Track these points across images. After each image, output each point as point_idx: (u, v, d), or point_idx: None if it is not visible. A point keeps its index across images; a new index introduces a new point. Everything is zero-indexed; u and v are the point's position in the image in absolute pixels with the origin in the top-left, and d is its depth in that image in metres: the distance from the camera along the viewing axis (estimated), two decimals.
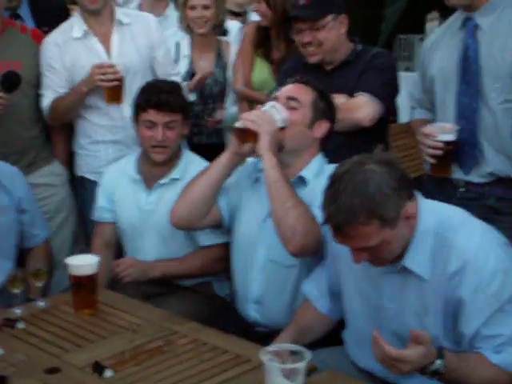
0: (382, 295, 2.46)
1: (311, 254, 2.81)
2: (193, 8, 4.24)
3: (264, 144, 2.80)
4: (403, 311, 2.42)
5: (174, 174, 3.41)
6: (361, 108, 3.27)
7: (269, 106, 2.91)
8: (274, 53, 4.18)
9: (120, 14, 3.88)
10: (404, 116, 5.44)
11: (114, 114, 3.84)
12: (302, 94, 2.94)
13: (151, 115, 3.34)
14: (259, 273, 2.99)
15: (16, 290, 2.93)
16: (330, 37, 3.37)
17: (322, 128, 2.95)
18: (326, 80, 3.27)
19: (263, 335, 2.90)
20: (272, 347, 2.21)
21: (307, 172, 2.93)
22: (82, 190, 4.00)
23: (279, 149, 2.86)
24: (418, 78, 3.32)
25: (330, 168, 2.83)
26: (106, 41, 3.83)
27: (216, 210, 3.09)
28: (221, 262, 3.31)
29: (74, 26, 3.83)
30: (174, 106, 3.35)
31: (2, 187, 3.40)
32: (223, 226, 3.16)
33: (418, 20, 8.27)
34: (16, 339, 2.72)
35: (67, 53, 3.81)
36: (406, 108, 5.01)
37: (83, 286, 2.89)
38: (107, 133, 3.88)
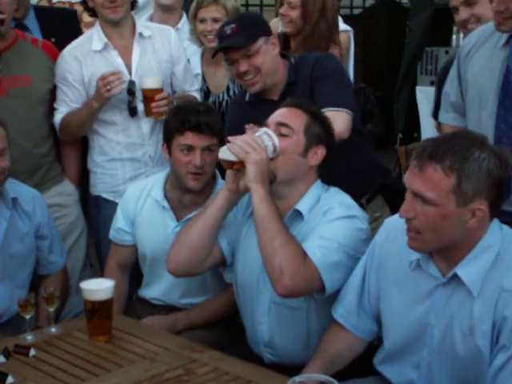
0: (428, 310, 2.47)
1: (300, 295, 2.79)
2: (203, 21, 4.23)
3: (250, 174, 2.72)
4: (449, 328, 2.43)
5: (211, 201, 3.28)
6: (334, 123, 3.11)
7: (262, 131, 2.84)
8: None
9: (141, 26, 3.92)
10: (428, 133, 5.43)
11: (133, 130, 3.87)
12: (294, 118, 2.86)
13: (189, 139, 3.25)
14: (265, 316, 2.97)
15: (27, 316, 2.94)
16: (266, 60, 3.36)
17: (317, 155, 2.88)
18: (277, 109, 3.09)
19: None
20: (299, 377, 2.20)
21: (303, 205, 2.88)
22: (96, 210, 4.02)
23: (271, 180, 2.80)
24: (454, 80, 3.27)
25: (328, 197, 2.88)
26: (126, 54, 3.87)
27: (217, 251, 3.04)
28: None
29: (94, 38, 3.87)
30: (213, 129, 3.26)
31: (23, 212, 3.43)
32: (227, 266, 3.13)
33: (443, 32, 8.27)
34: (28, 367, 2.71)
35: (86, 66, 3.84)
36: (430, 124, 5.00)
37: (98, 311, 2.89)
38: (124, 150, 3.90)
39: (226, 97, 4.29)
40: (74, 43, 3.92)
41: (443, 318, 2.44)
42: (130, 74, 3.86)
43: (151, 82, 3.75)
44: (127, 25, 3.88)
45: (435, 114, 3.81)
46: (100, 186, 4.00)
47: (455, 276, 2.40)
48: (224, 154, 2.78)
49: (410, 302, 2.53)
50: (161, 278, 3.42)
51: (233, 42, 3.32)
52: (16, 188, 3.42)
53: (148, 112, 3.77)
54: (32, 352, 2.79)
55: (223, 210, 2.92)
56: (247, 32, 3.32)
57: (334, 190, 2.97)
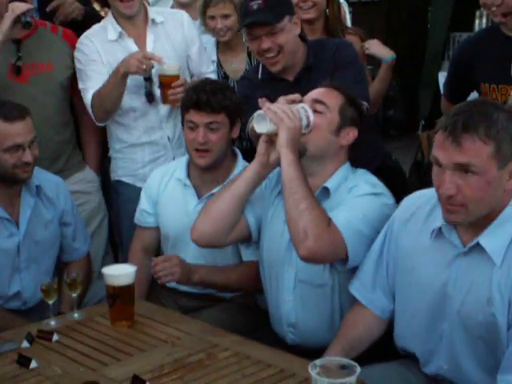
0: (447, 281, 2.50)
1: (322, 261, 2.83)
2: (212, 18, 4.23)
3: (282, 139, 2.78)
4: (467, 299, 2.46)
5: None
6: None
7: (299, 105, 2.89)
8: None
9: (153, 13, 3.95)
10: None
11: (151, 115, 3.91)
12: (330, 97, 2.93)
13: (192, 115, 3.32)
14: (290, 294, 3.02)
15: (50, 301, 2.99)
16: (289, 39, 3.38)
17: (349, 136, 2.94)
18: (292, 91, 3.11)
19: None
20: (320, 361, 2.23)
21: (332, 183, 2.94)
22: (116, 195, 4.07)
23: (301, 153, 2.86)
24: None
25: (355, 177, 2.93)
26: (140, 41, 3.91)
27: (243, 225, 3.10)
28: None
29: (108, 28, 3.91)
30: (215, 107, 3.29)
31: (47, 200, 3.49)
32: (251, 241, 3.19)
33: (466, 17, 8.24)
34: (51, 352, 2.76)
35: (105, 54, 3.88)
36: None
37: (120, 296, 2.93)
38: (143, 135, 3.94)
39: None
40: (90, 31, 3.96)
41: (462, 288, 2.47)
42: None
43: (168, 69, 3.78)
44: (140, 13, 3.92)
45: (448, 96, 3.93)
46: (120, 171, 4.05)
47: (477, 245, 2.43)
48: (257, 125, 2.85)
49: (429, 274, 2.56)
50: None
51: (260, 17, 3.32)
52: (39, 176, 3.47)
53: (165, 99, 3.80)
54: (55, 337, 2.84)
55: (252, 182, 2.99)
56: (274, 9, 3.32)
57: (361, 170, 3.02)
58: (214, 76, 4.10)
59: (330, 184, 2.94)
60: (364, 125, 3.07)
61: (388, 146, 4.19)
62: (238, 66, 4.30)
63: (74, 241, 3.63)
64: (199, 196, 3.44)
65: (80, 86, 3.92)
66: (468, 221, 2.44)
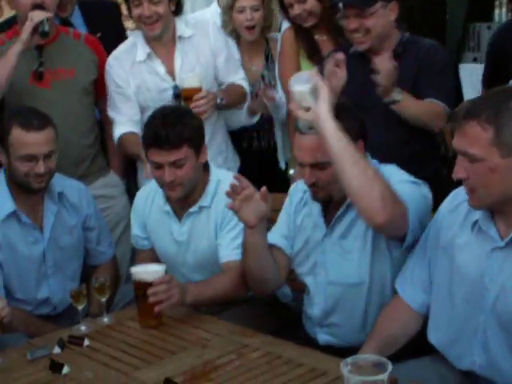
0: (484, 273, 2.50)
1: (394, 232, 2.78)
2: (241, 11, 4.23)
3: (324, 108, 2.68)
4: (504, 293, 2.45)
5: (203, 201, 3.31)
6: (440, 118, 3.45)
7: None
8: (323, 53, 4.10)
9: (181, 28, 3.96)
10: None
11: None
12: (323, 150, 2.75)
13: (153, 155, 3.16)
14: (321, 296, 3.04)
15: (80, 306, 3.02)
16: (378, 24, 3.45)
17: (360, 150, 2.83)
18: (374, 73, 3.31)
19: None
20: (352, 358, 2.24)
21: None
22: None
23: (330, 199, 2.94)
24: None
25: (386, 169, 2.91)
26: (168, 61, 3.95)
27: (283, 258, 3.13)
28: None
29: (138, 47, 3.95)
30: (176, 142, 3.11)
31: (70, 206, 3.52)
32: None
33: (485, 7, 8.18)
34: (83, 356, 2.80)
35: (133, 75, 3.94)
36: None
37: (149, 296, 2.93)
38: None
39: (261, 85, 4.30)
40: (119, 51, 4.00)
41: (498, 281, 2.47)
42: (174, 79, 3.93)
43: (188, 82, 3.80)
44: (168, 31, 3.93)
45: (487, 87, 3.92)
46: (143, 178, 3.99)
47: None
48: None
49: (468, 266, 2.56)
50: (181, 279, 3.35)
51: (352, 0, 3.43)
52: (62, 182, 3.50)
53: None
54: (86, 342, 2.87)
55: (261, 246, 2.98)
56: None
57: (389, 165, 3.00)
58: (244, 82, 4.12)
59: None
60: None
61: None
62: (256, 69, 4.33)
63: (99, 245, 3.66)
64: (179, 219, 3.37)
65: (108, 113, 4.02)
66: (483, 206, 2.47)
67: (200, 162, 3.25)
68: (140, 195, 3.53)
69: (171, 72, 3.95)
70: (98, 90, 4.04)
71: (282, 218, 3.18)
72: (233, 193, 2.85)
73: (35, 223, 3.40)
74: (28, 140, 3.26)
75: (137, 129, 3.93)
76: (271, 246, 3.07)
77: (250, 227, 2.90)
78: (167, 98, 3.87)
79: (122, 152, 4.04)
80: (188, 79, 3.81)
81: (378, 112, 3.42)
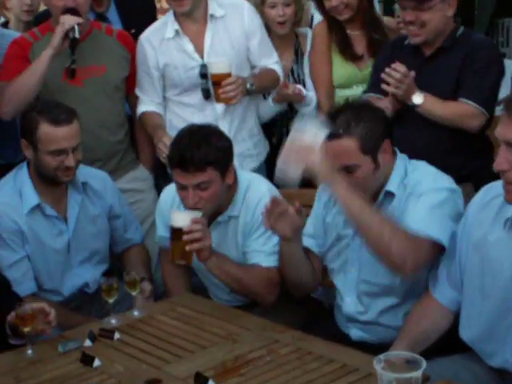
0: None
1: (427, 265, 2.84)
2: (273, 6, 4.19)
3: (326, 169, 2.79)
4: None
5: (231, 211, 3.27)
6: (473, 118, 3.45)
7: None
8: (356, 48, 4.14)
9: (213, 7, 3.94)
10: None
11: (208, 111, 3.92)
12: (349, 155, 2.82)
13: (178, 176, 3.10)
14: (352, 293, 3.04)
15: (111, 300, 3.02)
16: (435, 18, 3.42)
17: (386, 151, 2.88)
18: (423, 66, 3.42)
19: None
20: (385, 355, 2.23)
21: (393, 185, 2.91)
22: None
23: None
24: None
25: (415, 169, 2.91)
26: (198, 39, 3.93)
27: (316, 260, 3.15)
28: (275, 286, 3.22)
29: (168, 25, 3.94)
30: (200, 165, 3.05)
31: (94, 195, 3.54)
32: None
33: None
34: (113, 350, 2.81)
35: (161, 53, 3.94)
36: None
37: (183, 234, 2.99)
38: None
39: (291, 80, 4.29)
40: (150, 29, 4.02)
41: None
42: (202, 57, 3.92)
43: (217, 67, 3.79)
44: (199, 9, 3.92)
45: None
46: None
47: None
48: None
49: (501, 263, 2.55)
50: (211, 286, 3.43)
51: None
52: (85, 172, 3.51)
53: (217, 98, 3.81)
54: (116, 335, 2.88)
55: (298, 255, 3.02)
56: None
57: (420, 162, 2.99)
58: (277, 67, 4.09)
59: (391, 187, 2.91)
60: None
61: None
62: (285, 64, 4.29)
63: (126, 232, 3.69)
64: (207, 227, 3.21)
65: (135, 90, 4.06)
66: None
67: (226, 182, 3.18)
68: (165, 197, 3.46)
69: (200, 51, 3.93)
70: (130, 86, 4.05)
71: (309, 218, 3.17)
72: (268, 213, 2.87)
73: (59, 214, 3.42)
74: (58, 135, 3.28)
75: (158, 109, 4.01)
76: (305, 250, 3.09)
77: (285, 240, 2.93)
78: (194, 77, 3.88)
79: (144, 129, 4.08)
80: (217, 64, 3.80)
81: None
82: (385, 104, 3.43)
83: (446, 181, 2.90)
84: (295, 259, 3.02)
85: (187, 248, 2.99)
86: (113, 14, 4.40)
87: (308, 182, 3.15)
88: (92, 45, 3.89)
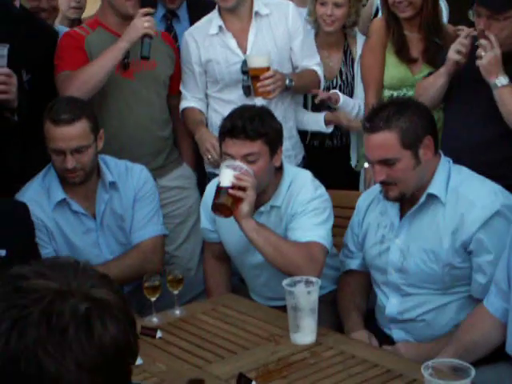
0: None
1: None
2: (323, 4, 4.16)
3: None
4: None
5: (274, 201, 3.21)
6: None
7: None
8: (411, 50, 4.05)
9: (259, 5, 3.95)
10: None
11: None
12: (386, 149, 2.81)
13: (227, 146, 3.08)
14: (395, 295, 3.01)
15: (153, 298, 3.01)
16: (508, 28, 3.32)
17: (428, 147, 2.84)
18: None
19: None
20: (433, 362, 2.21)
21: (436, 187, 2.86)
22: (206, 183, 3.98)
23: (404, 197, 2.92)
24: None
25: (463, 180, 2.86)
26: (242, 36, 3.94)
27: (364, 278, 3.22)
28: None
29: (212, 21, 3.96)
30: (251, 134, 3.04)
31: (121, 192, 3.48)
32: None
33: None
34: (155, 348, 2.79)
35: (204, 48, 3.95)
36: None
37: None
38: None
39: (339, 81, 4.26)
40: (195, 25, 4.05)
41: None
42: (245, 54, 3.92)
43: (256, 61, 3.79)
44: (244, 6, 3.92)
45: None
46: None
47: None
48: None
49: None
50: (255, 279, 3.38)
51: (487, 1, 3.31)
52: (118, 170, 3.47)
53: (256, 92, 3.81)
54: (158, 334, 2.86)
55: None
56: None
57: (463, 168, 2.94)
58: (318, 68, 4.07)
59: (435, 189, 2.87)
60: None
61: None
62: (334, 65, 4.26)
63: (146, 220, 3.54)
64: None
65: (180, 87, 4.08)
66: None
67: (273, 163, 3.16)
68: (210, 189, 3.37)
69: (243, 47, 3.93)
70: (172, 86, 4.06)
71: (347, 236, 3.22)
72: None
73: (88, 211, 3.41)
74: (56, 134, 3.24)
75: (200, 105, 4.02)
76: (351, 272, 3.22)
77: None
78: (235, 72, 3.88)
79: (185, 127, 4.09)
80: (255, 58, 3.80)
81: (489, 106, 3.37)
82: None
83: (500, 194, 2.85)
84: None
85: (230, 192, 2.97)
86: (183, 13, 4.42)
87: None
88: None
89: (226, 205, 2.98)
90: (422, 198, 2.88)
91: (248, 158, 3.05)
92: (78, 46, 3.78)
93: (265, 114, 3.19)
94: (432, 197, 2.88)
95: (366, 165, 3.84)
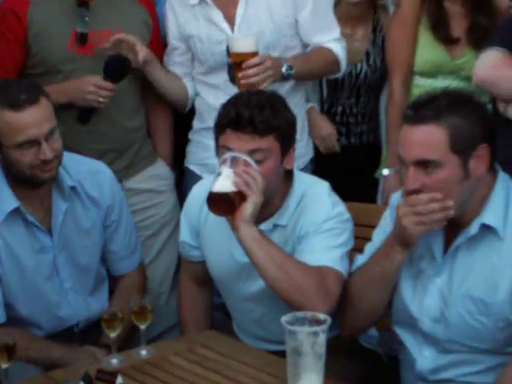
0: None
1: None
2: None
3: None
4: None
5: (279, 218, 2.77)
6: None
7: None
8: (452, 28, 3.52)
9: None
10: None
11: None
12: (429, 149, 2.35)
13: (228, 139, 2.65)
14: (430, 347, 2.55)
15: (113, 334, 2.58)
16: None
17: (482, 158, 2.38)
18: None
19: None
20: None
21: (490, 216, 2.38)
22: (183, 184, 3.66)
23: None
24: None
25: None
26: (229, 7, 3.39)
27: None
28: None
29: None
30: (260, 127, 2.62)
31: (88, 200, 3.02)
32: None
33: None
34: None
35: (183, 23, 3.46)
36: None
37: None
38: None
39: (364, 67, 3.74)
40: None
41: None
42: (233, 29, 3.38)
43: (238, 45, 3.19)
44: None
45: None
46: (191, 157, 3.62)
47: None
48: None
49: None
50: (239, 314, 2.98)
51: None
52: (75, 168, 2.99)
53: (237, 83, 3.24)
54: (119, 379, 2.46)
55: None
56: None
57: None
58: (337, 45, 3.47)
59: (489, 219, 2.38)
60: None
61: None
62: (359, 45, 3.72)
63: (123, 247, 3.16)
64: None
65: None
66: None
67: (284, 166, 2.72)
68: (196, 193, 2.96)
69: (231, 21, 3.38)
70: None
71: (378, 236, 2.64)
72: None
73: (43, 225, 2.92)
74: (23, 121, 2.75)
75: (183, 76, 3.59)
76: None
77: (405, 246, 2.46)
78: (220, 53, 3.37)
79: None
80: (238, 41, 3.22)
81: None
82: None
83: None
84: (391, 279, 2.52)
85: (235, 180, 2.55)
86: None
87: None
88: (108, 4, 3.39)
89: (229, 196, 2.55)
90: (474, 229, 2.39)
91: (254, 155, 2.62)
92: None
93: (277, 101, 2.73)
94: (486, 228, 2.38)
95: (386, 171, 3.43)
